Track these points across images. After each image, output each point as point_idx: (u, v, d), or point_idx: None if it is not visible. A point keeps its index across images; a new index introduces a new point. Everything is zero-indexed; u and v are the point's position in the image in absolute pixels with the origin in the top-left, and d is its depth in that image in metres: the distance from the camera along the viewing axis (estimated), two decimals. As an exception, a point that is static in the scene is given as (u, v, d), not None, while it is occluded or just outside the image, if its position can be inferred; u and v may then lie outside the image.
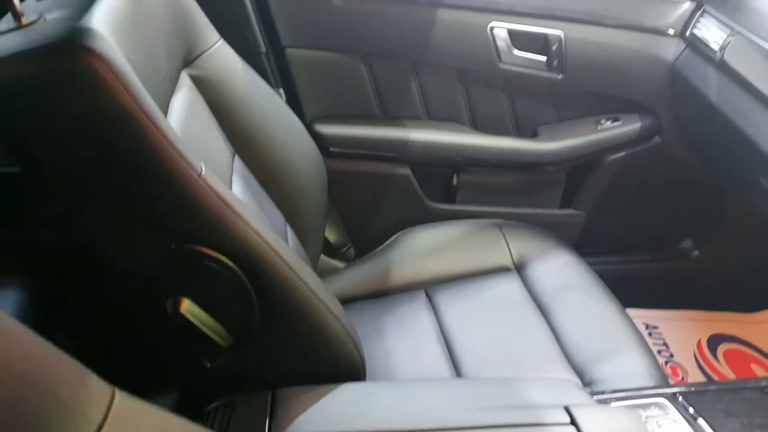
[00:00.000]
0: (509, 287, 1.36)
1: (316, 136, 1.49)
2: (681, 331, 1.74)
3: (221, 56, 1.15)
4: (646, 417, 0.88)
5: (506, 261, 1.41)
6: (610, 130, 1.58)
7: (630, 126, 1.57)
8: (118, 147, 0.70)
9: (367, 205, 1.63)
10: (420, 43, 1.51)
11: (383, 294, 1.36)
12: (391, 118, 1.59)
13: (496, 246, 1.44)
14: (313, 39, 1.53)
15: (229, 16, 1.42)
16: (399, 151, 1.56)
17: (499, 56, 1.51)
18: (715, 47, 1.36)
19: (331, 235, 1.64)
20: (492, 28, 1.49)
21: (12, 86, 0.68)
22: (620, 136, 1.58)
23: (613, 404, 0.92)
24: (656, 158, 1.60)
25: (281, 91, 1.53)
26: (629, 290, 1.51)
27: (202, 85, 1.09)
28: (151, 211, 0.74)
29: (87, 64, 0.67)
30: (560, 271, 1.39)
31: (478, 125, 1.61)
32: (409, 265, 1.40)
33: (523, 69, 1.53)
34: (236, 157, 1.14)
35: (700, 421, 0.93)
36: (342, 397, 0.83)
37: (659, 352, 1.69)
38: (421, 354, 1.21)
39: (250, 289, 0.79)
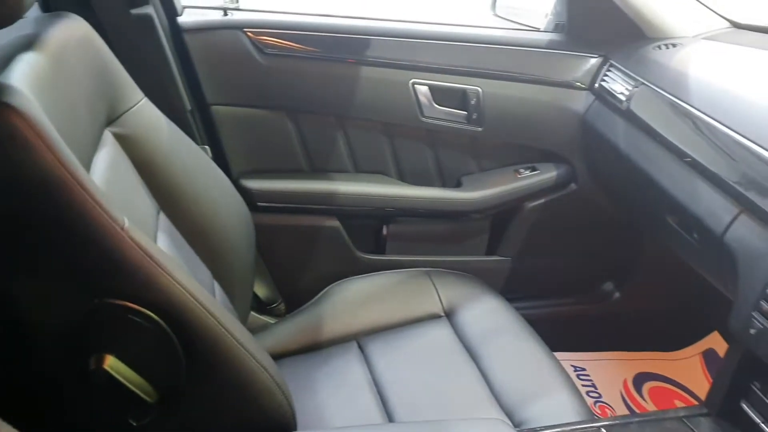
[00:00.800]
0: (440, 334, 1.37)
1: (243, 192, 1.50)
2: (607, 372, 1.79)
3: (145, 114, 1.15)
4: (573, 451, 0.90)
5: (436, 309, 1.43)
6: (528, 178, 1.65)
7: (547, 174, 1.65)
8: (40, 202, 0.70)
9: (296, 259, 1.63)
10: (345, 99, 1.55)
11: (315, 348, 1.36)
12: (319, 171, 1.62)
13: (426, 294, 1.46)
14: (238, 97, 1.55)
15: (154, 75, 1.43)
16: (327, 204, 1.58)
17: (421, 111, 1.57)
18: (622, 98, 1.46)
19: (260, 290, 1.63)
20: (414, 84, 1.55)
21: None
22: (538, 184, 1.65)
23: (542, 441, 0.94)
24: (573, 204, 1.68)
25: (207, 147, 1.54)
26: (556, 334, 1.55)
27: (125, 142, 1.08)
28: (73, 265, 0.73)
29: (7, 120, 0.67)
30: (489, 317, 1.42)
31: (404, 176, 1.66)
32: (341, 318, 1.40)
33: (444, 123, 1.59)
34: (161, 214, 1.14)
35: (625, 453, 0.96)
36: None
37: (588, 393, 1.73)
38: (355, 405, 1.20)
39: (176, 343, 0.78)
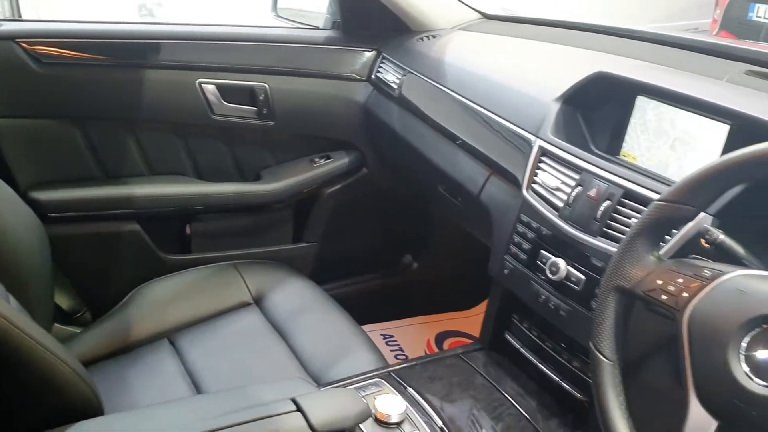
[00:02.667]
0: (250, 319, 1.44)
1: (33, 204, 1.46)
2: (412, 335, 1.97)
3: None
4: (365, 395, 1.02)
5: (245, 297, 1.49)
6: (323, 166, 1.77)
7: (339, 161, 1.78)
8: None
9: (98, 267, 1.62)
10: (132, 103, 1.57)
11: (125, 350, 1.36)
12: (113, 177, 1.61)
13: (233, 285, 1.51)
14: (18, 108, 1.51)
15: None
16: (124, 209, 1.58)
17: (211, 109, 1.62)
18: (394, 86, 1.62)
19: (63, 301, 1.59)
20: (200, 84, 1.60)
21: None
22: (332, 171, 1.77)
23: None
24: (366, 187, 1.82)
25: (-12, 162, 1.48)
26: (366, 308, 1.68)
27: None
28: None
29: None
30: (295, 298, 1.50)
31: (202, 175, 1.70)
32: (150, 318, 1.42)
33: (235, 119, 1.66)
34: None
35: (410, 389, 1.09)
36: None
37: (396, 356, 1.89)
38: (168, 395, 1.23)
39: None
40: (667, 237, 0.88)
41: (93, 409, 0.92)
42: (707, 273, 0.73)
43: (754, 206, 0.86)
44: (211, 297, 1.48)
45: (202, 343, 1.37)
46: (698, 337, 0.70)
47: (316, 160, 1.77)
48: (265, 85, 1.66)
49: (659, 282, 0.76)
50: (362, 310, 1.57)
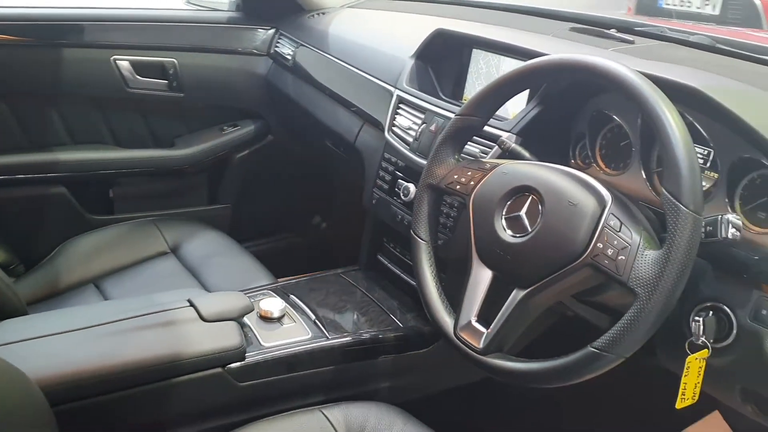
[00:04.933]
0: (167, 265, 1.62)
1: None
2: (323, 284, 2.18)
3: None
4: (254, 300, 1.23)
5: (162, 248, 1.68)
6: (232, 133, 1.97)
7: (246, 129, 1.99)
8: None
9: (28, 226, 1.77)
10: (52, 79, 1.74)
11: (56, 295, 1.53)
12: (39, 146, 1.78)
13: (152, 238, 1.69)
14: None
15: None
16: (49, 173, 1.75)
17: (126, 83, 1.81)
18: (289, 58, 1.84)
19: (-2, 255, 1.75)
20: (115, 60, 1.79)
21: None
22: (240, 137, 1.98)
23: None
24: (273, 152, 2.03)
25: None
26: (281, 263, 1.87)
27: None
28: None
29: None
30: (208, 246, 1.69)
31: (121, 143, 1.88)
32: (77, 267, 1.59)
33: (149, 92, 1.85)
34: None
35: (292, 296, 1.32)
36: (6, 327, 1.03)
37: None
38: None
39: None
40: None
41: (18, 313, 1.11)
42: (488, 166, 0.98)
43: (543, 125, 1.11)
44: (132, 248, 1.66)
45: (124, 285, 1.55)
46: (478, 211, 0.95)
47: (225, 128, 1.98)
48: (174, 60, 1.85)
49: (456, 176, 1.00)
50: (279, 265, 1.74)
